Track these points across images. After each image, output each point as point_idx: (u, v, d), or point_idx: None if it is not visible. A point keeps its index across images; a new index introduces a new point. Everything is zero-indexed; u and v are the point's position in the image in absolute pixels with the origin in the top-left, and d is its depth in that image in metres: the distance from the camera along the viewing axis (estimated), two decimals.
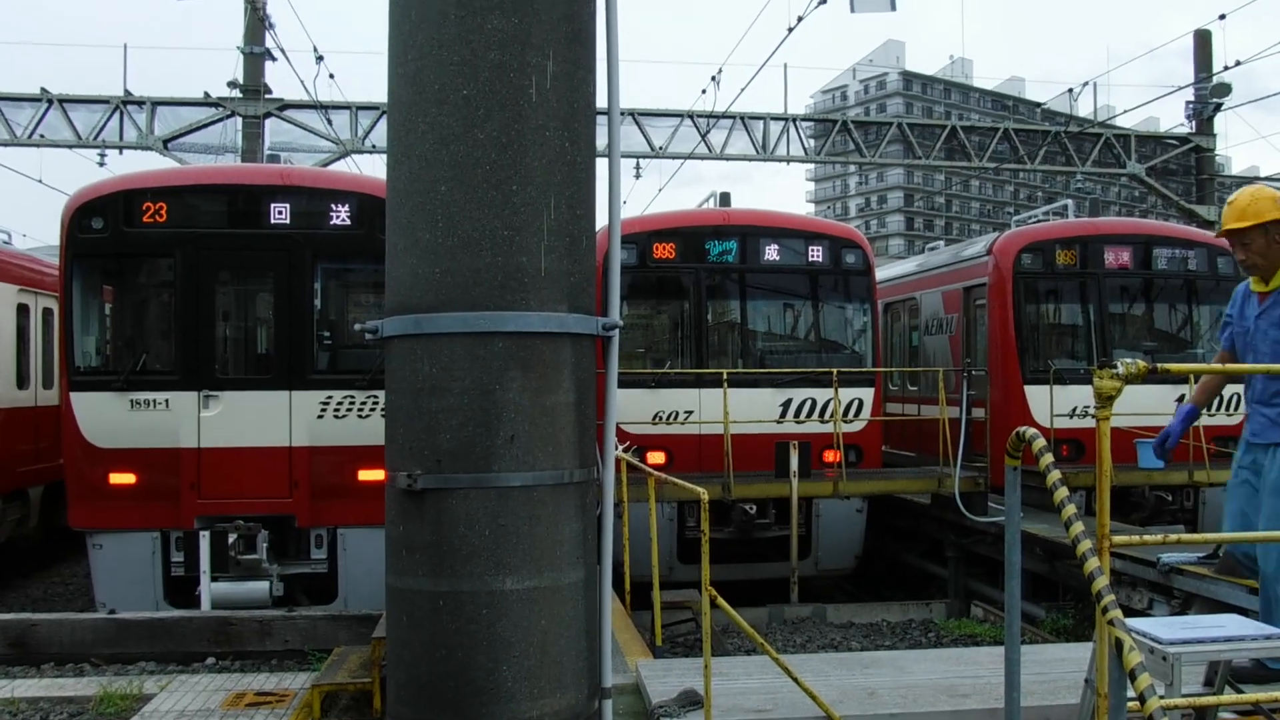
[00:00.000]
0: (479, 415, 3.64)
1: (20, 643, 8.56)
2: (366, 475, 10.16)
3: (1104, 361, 3.28)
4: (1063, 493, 3.03)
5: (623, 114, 4.10)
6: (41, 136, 21.39)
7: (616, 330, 3.99)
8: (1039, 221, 16.77)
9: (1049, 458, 3.14)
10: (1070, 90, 27.94)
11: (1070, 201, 17.24)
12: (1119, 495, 12.72)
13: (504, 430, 3.65)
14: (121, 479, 9.95)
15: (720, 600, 5.92)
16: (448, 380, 3.66)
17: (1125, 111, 27.00)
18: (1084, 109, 31.52)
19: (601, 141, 4.23)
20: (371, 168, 26.29)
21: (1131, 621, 3.32)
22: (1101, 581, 2.83)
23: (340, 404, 10.16)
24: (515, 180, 3.64)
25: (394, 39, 3.82)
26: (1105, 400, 3.12)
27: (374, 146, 21.38)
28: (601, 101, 4.05)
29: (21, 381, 14.29)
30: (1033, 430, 3.29)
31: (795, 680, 5.33)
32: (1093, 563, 2.87)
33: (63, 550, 14.28)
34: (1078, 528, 2.94)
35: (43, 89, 21.55)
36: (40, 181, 22.68)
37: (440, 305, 3.65)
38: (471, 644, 3.72)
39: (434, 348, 3.67)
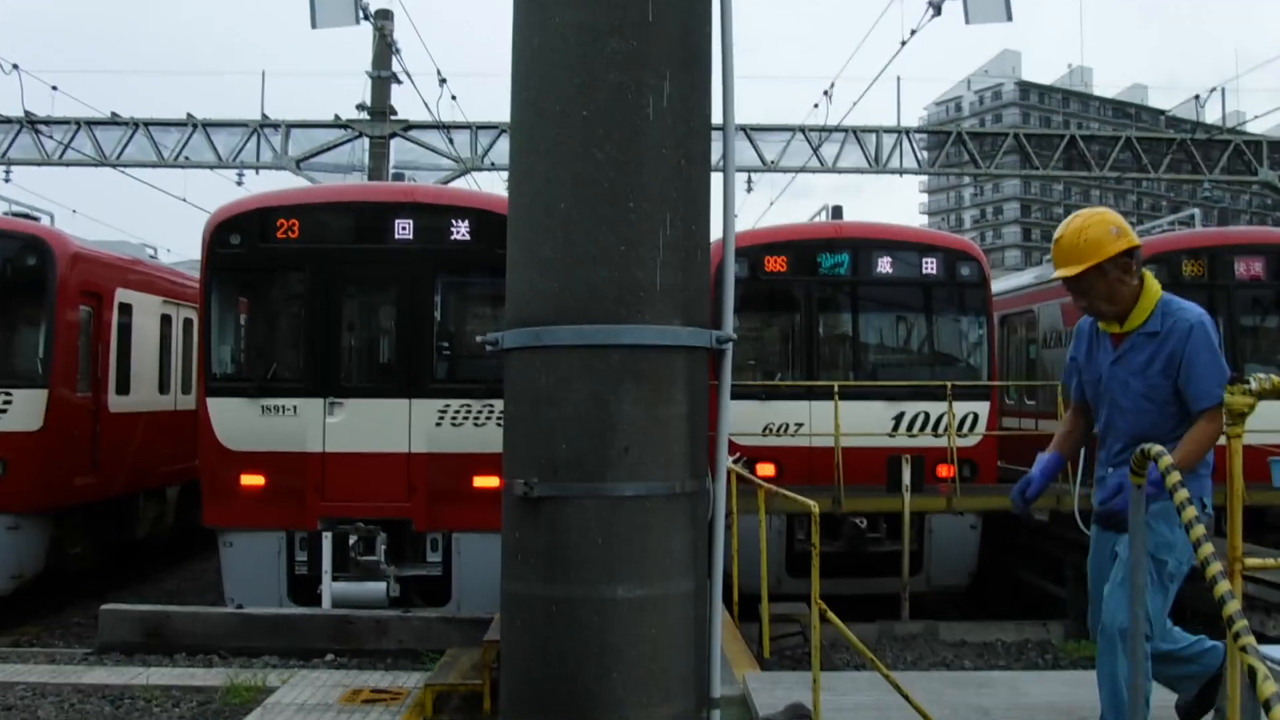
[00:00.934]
0: (594, 426, 3.71)
1: (157, 632, 8.94)
2: (481, 481, 10.34)
3: (1235, 377, 3.17)
4: (1191, 512, 2.92)
5: (735, 129, 4.12)
6: (186, 158, 22.47)
7: (730, 343, 4.02)
8: (1164, 231, 16.24)
9: (1176, 475, 3.03)
10: (1197, 97, 26.97)
11: (1197, 210, 16.64)
12: (1252, 516, 12.22)
13: (618, 441, 3.70)
14: (252, 481, 10.32)
15: (830, 614, 5.87)
16: (565, 391, 3.73)
17: (1257, 117, 25.91)
18: (1211, 116, 30.35)
19: (715, 157, 4.26)
20: (490, 184, 26.88)
21: (1265, 649, 3.19)
22: (1233, 606, 2.71)
23: (457, 412, 10.38)
24: (632, 197, 3.70)
25: (517, 64, 3.92)
26: (1237, 417, 3.02)
27: (493, 164, 21.85)
28: (716, 118, 4.08)
29: (163, 387, 14.96)
30: (1158, 447, 3.19)
31: (906, 697, 5.25)
32: (1224, 586, 2.74)
33: (195, 547, 14.84)
34: (1207, 549, 2.82)
35: (188, 114, 22.62)
36: (184, 200, 23.74)
37: (558, 319, 3.73)
38: (582, 650, 3.78)
39: (552, 360, 3.75)
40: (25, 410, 11.68)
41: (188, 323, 15.54)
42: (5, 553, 11.62)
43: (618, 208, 3.70)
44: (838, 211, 14.79)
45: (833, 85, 22.70)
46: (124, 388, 13.66)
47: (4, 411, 11.62)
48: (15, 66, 19.69)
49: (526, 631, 3.86)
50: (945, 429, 12.51)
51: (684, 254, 3.80)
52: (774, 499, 8.61)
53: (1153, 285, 4.53)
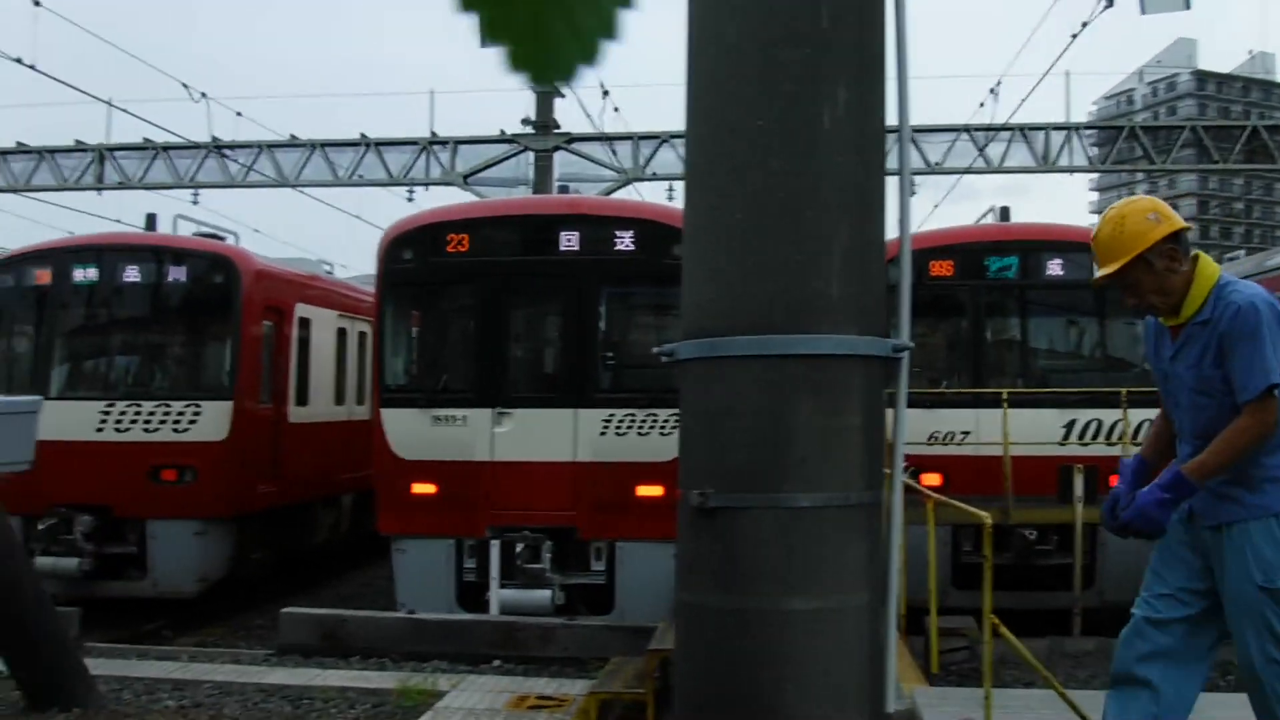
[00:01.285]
0: (770, 436, 3.70)
1: (332, 636, 9.31)
2: (644, 491, 10.43)
3: None
4: None
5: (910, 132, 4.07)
6: (360, 177, 23.47)
7: (907, 352, 3.96)
8: None
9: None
10: None
11: None
12: None
13: (795, 451, 3.69)
14: (423, 489, 10.64)
15: (1004, 629, 5.71)
16: (741, 402, 3.74)
17: None
18: None
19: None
20: (653, 194, 27.17)
21: None
22: None
23: (621, 421, 10.48)
24: (808, 207, 3.69)
25: (691, 76, 3.95)
26: None
27: (655, 174, 22.08)
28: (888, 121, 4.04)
29: (339, 398, 15.59)
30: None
31: (1083, 718, 5.07)
32: None
33: (367, 554, 15.38)
34: None
35: (361, 134, 23.65)
36: (358, 217, 24.86)
37: (734, 329, 3.74)
38: (756, 662, 3.77)
39: (728, 370, 3.77)
40: (213, 421, 12.32)
41: (361, 336, 16.15)
42: (192, 556, 12.27)
43: (794, 218, 3.69)
44: (1005, 213, 14.39)
45: (999, 83, 22.14)
46: (303, 399, 14.27)
47: (194, 423, 12.28)
48: (204, 95, 20.92)
49: (701, 642, 3.88)
50: (1120, 437, 12.02)
51: (860, 262, 3.77)
52: (942, 510, 8.43)
53: (1208, 269, 4.13)
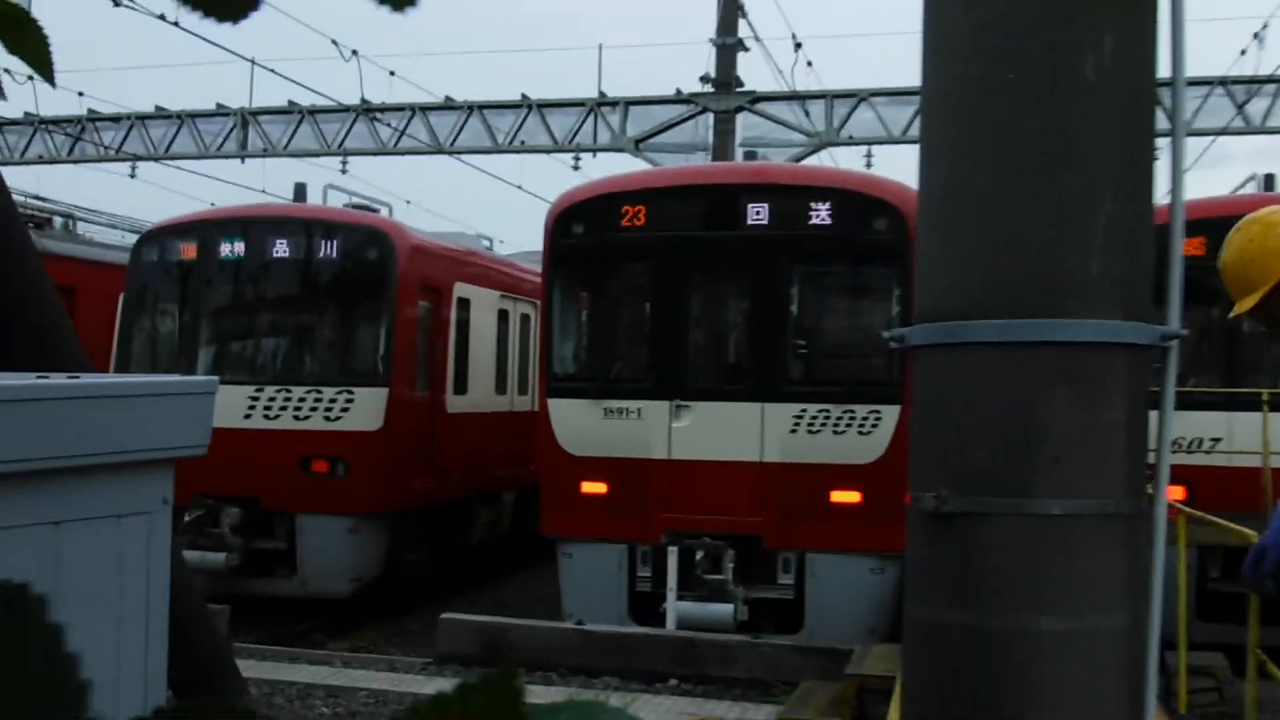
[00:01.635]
0: (1017, 433, 3.66)
1: (493, 645, 9.60)
2: (839, 496, 10.40)
3: None
4: None
5: (1184, 82, 3.96)
6: (521, 143, 23.73)
7: (1176, 341, 3.86)
8: None
9: None
10: None
11: None
12: None
13: (1045, 451, 3.64)
14: (593, 488, 10.85)
15: (1271, 666, 5.51)
16: (983, 394, 3.71)
17: None
18: None
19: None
20: (849, 160, 26.83)
21: None
22: None
23: (815, 418, 10.46)
24: (1066, 171, 3.63)
25: (930, 24, 3.94)
26: None
27: (851, 137, 21.76)
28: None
29: (500, 386, 15.98)
30: None
31: None
32: None
33: (529, 557, 15.75)
34: None
35: (523, 95, 23.79)
36: (520, 188, 25.27)
37: (976, 312, 3.71)
38: (998, 687, 3.75)
39: (968, 358, 3.74)
40: (366, 410, 12.78)
41: (524, 318, 16.53)
42: (344, 555, 12.78)
43: (1048, 183, 3.63)
44: (1270, 181, 13.76)
45: (1264, 26, 21.06)
46: (461, 387, 14.70)
47: (346, 411, 12.76)
48: (354, 53, 21.70)
49: (934, 662, 3.88)
50: None
51: (1126, 235, 3.69)
52: (1195, 528, 8.15)
53: None
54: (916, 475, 3.91)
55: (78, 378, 4.01)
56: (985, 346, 3.70)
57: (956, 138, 3.82)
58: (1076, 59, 3.62)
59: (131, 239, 20.93)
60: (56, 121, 26.18)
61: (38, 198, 25.23)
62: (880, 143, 22.01)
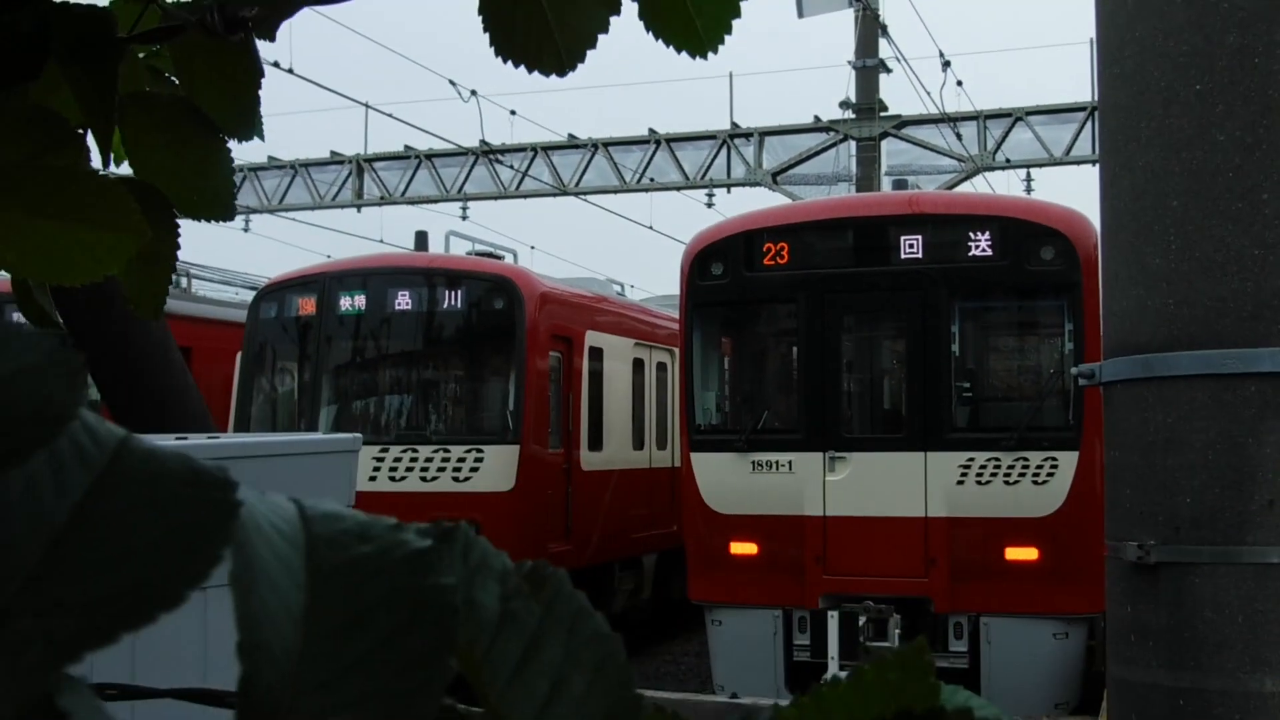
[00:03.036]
0: (1227, 475, 3.62)
1: None
2: (1015, 554, 10.23)
3: None
4: None
5: None
6: (650, 180, 23.96)
7: None
8: None
9: None
10: None
11: None
12: None
13: (1259, 494, 3.59)
14: (743, 549, 10.83)
15: None
16: (1187, 432, 3.68)
17: None
18: None
19: None
20: (1005, 185, 26.36)
21: None
22: None
23: (983, 467, 10.32)
24: (1266, 187, 3.60)
25: (1105, 34, 3.95)
26: None
27: (1008, 160, 21.48)
28: None
29: (637, 441, 16.04)
30: None
31: None
32: None
33: (674, 625, 15.72)
34: None
35: (650, 129, 24.09)
36: (650, 228, 25.36)
37: (1174, 343, 3.69)
38: None
39: (1168, 393, 3.71)
40: (497, 469, 12.92)
41: (661, 367, 16.61)
42: None
43: (1247, 201, 3.61)
44: None
45: None
46: (596, 443, 14.78)
47: (475, 470, 12.92)
48: (473, 93, 22.20)
49: None
50: None
51: None
52: None
53: None
54: (1114, 523, 3.88)
55: (217, 437, 4.20)
56: (1187, 380, 3.67)
57: (1140, 155, 3.81)
58: (1271, 64, 3.60)
59: (246, 295, 21.63)
60: None
61: None
62: (1040, 165, 21.66)
